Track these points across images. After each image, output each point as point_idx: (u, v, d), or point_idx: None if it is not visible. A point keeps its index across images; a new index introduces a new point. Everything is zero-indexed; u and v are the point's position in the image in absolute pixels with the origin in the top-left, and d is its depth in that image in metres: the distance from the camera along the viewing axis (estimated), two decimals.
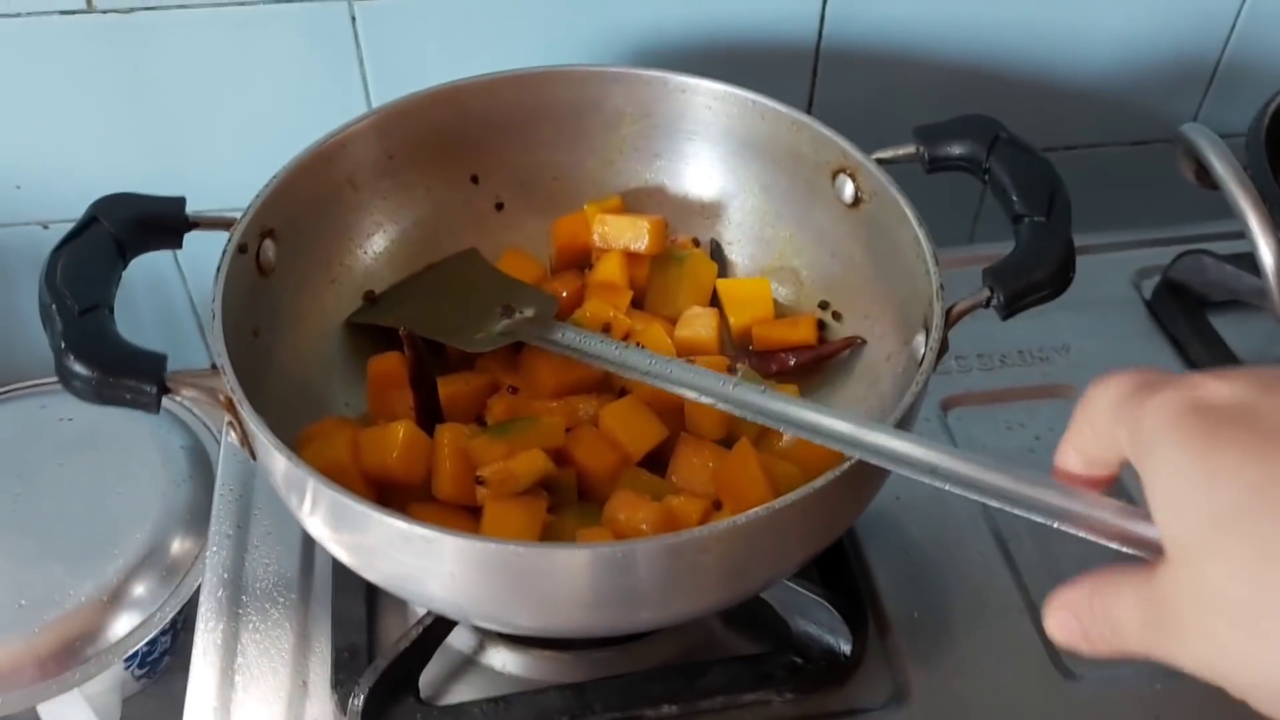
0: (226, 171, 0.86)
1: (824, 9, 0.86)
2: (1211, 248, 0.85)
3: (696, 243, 0.78)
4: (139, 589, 0.77)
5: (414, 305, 0.73)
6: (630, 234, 0.75)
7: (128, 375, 0.54)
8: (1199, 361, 0.82)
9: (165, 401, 0.55)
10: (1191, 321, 0.84)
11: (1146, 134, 0.99)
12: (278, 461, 0.54)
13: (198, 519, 0.80)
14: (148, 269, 0.92)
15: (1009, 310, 0.60)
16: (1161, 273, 0.87)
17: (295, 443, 0.62)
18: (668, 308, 0.75)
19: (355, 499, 0.50)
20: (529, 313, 0.70)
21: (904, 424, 0.55)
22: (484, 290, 0.73)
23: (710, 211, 0.78)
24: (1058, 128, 0.98)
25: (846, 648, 0.64)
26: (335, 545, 0.56)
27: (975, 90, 0.93)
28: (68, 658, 0.74)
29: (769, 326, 0.73)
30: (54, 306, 0.55)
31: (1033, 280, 0.60)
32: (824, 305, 0.74)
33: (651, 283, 0.76)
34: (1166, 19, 0.92)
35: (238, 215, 0.63)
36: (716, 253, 0.78)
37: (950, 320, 0.59)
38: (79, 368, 0.53)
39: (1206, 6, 0.92)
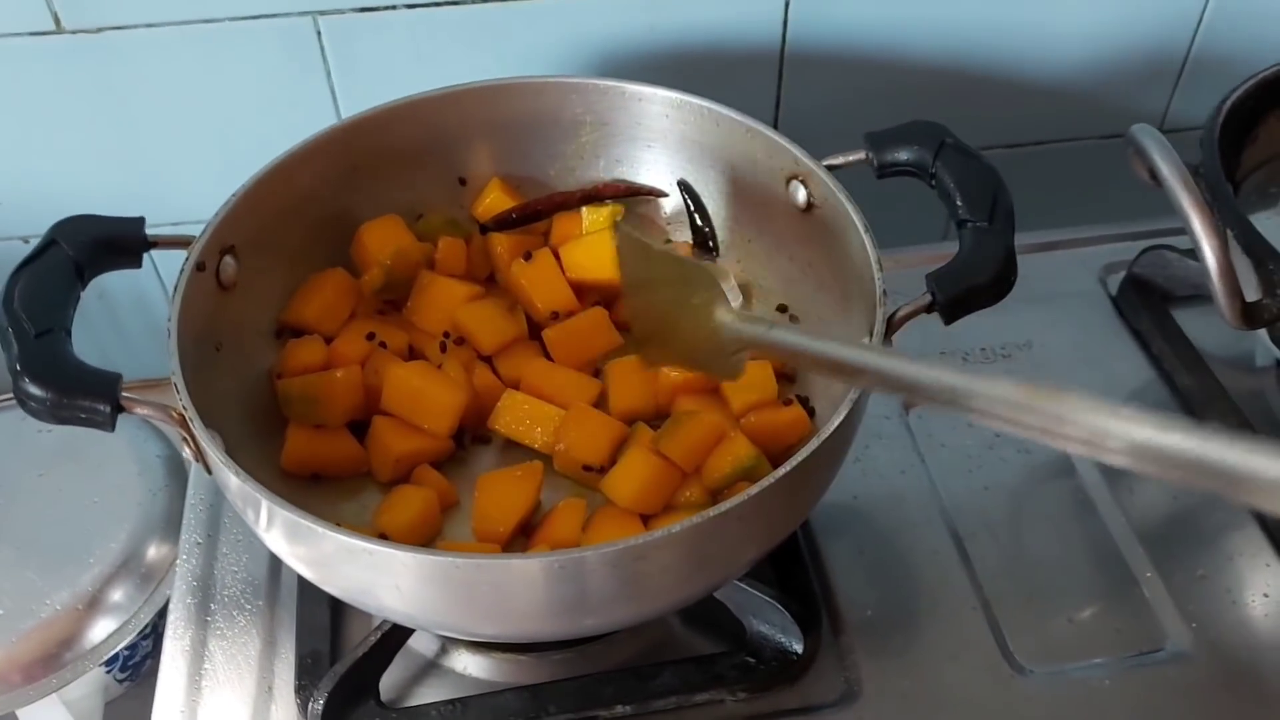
0: (200, 185, 0.87)
1: (786, 13, 0.86)
2: (1176, 242, 0.85)
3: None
4: (116, 595, 0.78)
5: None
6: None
7: (82, 396, 0.55)
8: (1162, 356, 0.82)
9: (142, 412, 0.56)
10: (1155, 316, 0.84)
11: (1116, 128, 0.98)
12: (230, 480, 0.55)
13: (174, 526, 0.81)
14: (131, 284, 0.93)
15: (950, 315, 0.61)
16: (1126, 268, 0.87)
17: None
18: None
19: (305, 516, 0.52)
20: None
21: (851, 418, 0.56)
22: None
23: (672, 218, 0.79)
24: (1027, 124, 0.97)
25: (798, 647, 0.65)
26: (292, 559, 0.58)
27: (943, 89, 0.93)
28: (47, 663, 0.75)
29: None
30: (10, 330, 0.57)
31: (973, 285, 0.60)
32: (783, 308, 0.75)
33: None
34: (1134, 14, 0.92)
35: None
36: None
37: (894, 326, 0.60)
38: (35, 389, 0.55)
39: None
